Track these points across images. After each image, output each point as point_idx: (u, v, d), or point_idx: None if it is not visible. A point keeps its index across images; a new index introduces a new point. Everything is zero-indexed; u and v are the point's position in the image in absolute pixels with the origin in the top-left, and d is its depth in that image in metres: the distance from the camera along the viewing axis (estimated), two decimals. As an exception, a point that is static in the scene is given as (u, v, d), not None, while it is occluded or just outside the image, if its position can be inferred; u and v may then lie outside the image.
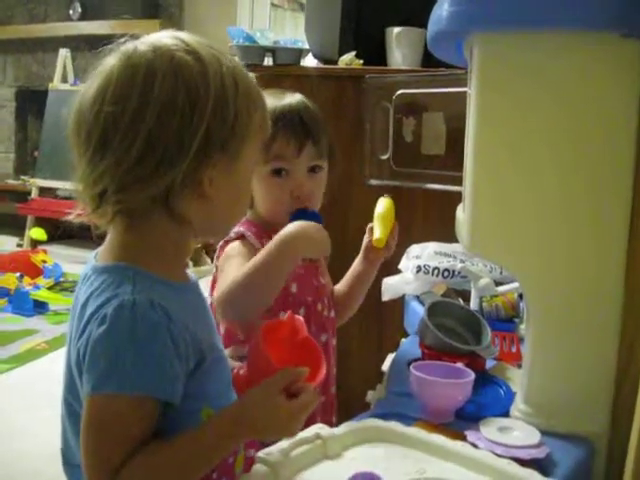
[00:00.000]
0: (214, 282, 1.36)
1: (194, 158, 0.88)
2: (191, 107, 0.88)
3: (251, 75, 1.01)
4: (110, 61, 0.92)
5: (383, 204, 1.50)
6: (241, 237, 1.35)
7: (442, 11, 1.10)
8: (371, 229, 1.48)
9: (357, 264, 1.53)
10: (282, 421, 0.90)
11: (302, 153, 1.37)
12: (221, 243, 1.37)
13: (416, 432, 1.05)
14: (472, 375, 1.18)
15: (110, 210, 0.92)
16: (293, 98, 1.41)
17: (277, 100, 1.38)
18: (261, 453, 0.95)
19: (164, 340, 0.86)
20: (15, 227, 5.66)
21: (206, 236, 1.05)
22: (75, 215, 0.98)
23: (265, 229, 1.38)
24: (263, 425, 0.90)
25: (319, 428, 1.03)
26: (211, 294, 1.34)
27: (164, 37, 0.94)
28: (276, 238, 1.24)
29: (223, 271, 1.33)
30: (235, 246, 1.35)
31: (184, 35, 0.95)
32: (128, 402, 0.84)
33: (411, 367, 1.20)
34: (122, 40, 0.94)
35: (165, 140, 0.87)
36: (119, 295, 0.87)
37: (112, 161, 0.88)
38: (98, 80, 0.91)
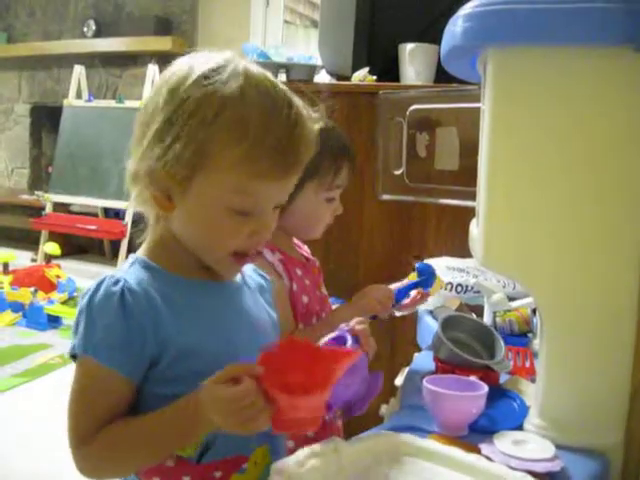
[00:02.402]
0: None
1: (141, 159, 0.96)
2: (147, 120, 0.96)
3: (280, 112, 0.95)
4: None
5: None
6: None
7: (456, 27, 1.12)
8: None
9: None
10: (220, 407, 0.85)
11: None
12: None
13: (431, 444, 1.05)
14: (485, 388, 1.18)
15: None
16: (330, 123, 1.42)
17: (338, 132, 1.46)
18: (276, 464, 0.96)
19: (113, 309, 0.92)
20: (29, 242, 5.70)
21: (197, 255, 1.02)
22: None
23: (273, 243, 1.40)
24: (208, 411, 0.87)
25: (333, 440, 1.03)
26: None
27: (202, 56, 0.99)
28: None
29: None
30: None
31: (239, 59, 0.98)
32: (83, 364, 0.94)
33: (424, 380, 1.20)
34: None
35: (137, 130, 0.98)
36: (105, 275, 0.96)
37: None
38: None
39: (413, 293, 1.57)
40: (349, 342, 1.10)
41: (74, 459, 0.93)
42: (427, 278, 1.59)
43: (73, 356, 0.96)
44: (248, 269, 1.11)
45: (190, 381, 0.90)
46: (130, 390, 0.95)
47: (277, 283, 1.33)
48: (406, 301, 1.56)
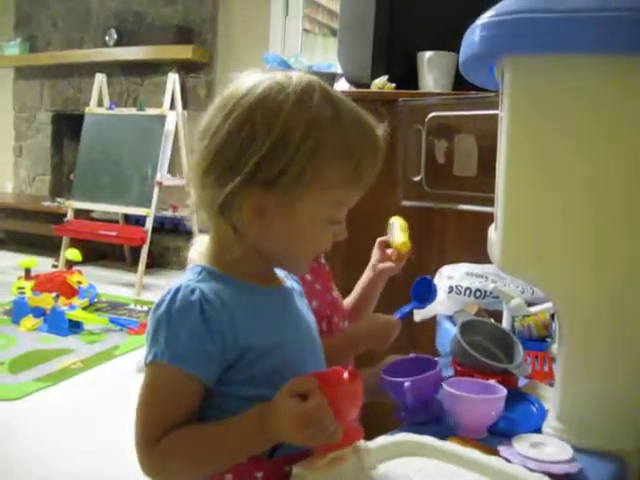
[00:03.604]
0: None
1: (238, 186, 0.96)
2: (252, 138, 0.95)
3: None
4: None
5: (398, 221, 1.56)
6: None
7: (474, 36, 1.14)
8: (382, 242, 1.57)
9: (366, 279, 1.60)
10: (290, 422, 0.89)
11: None
12: None
13: (450, 446, 1.06)
14: (504, 391, 1.19)
15: (192, 206, 1.04)
16: None
17: None
18: (298, 465, 0.98)
19: (195, 317, 0.95)
20: (51, 248, 5.76)
21: (273, 262, 1.08)
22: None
23: None
24: (276, 425, 0.91)
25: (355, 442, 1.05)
26: None
27: (283, 75, 1.01)
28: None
29: None
30: None
31: (305, 77, 1.01)
32: (162, 370, 0.96)
33: (444, 384, 1.21)
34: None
35: (223, 160, 0.97)
36: (177, 284, 0.99)
37: (194, 161, 1.01)
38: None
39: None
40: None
41: (142, 461, 0.95)
42: (422, 296, 1.57)
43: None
44: (282, 273, 1.14)
45: (266, 381, 0.97)
46: (203, 394, 0.98)
47: None
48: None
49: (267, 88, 0.98)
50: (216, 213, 1.00)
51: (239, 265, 1.04)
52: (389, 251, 1.59)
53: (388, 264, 1.58)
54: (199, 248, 1.10)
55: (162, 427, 0.94)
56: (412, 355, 1.33)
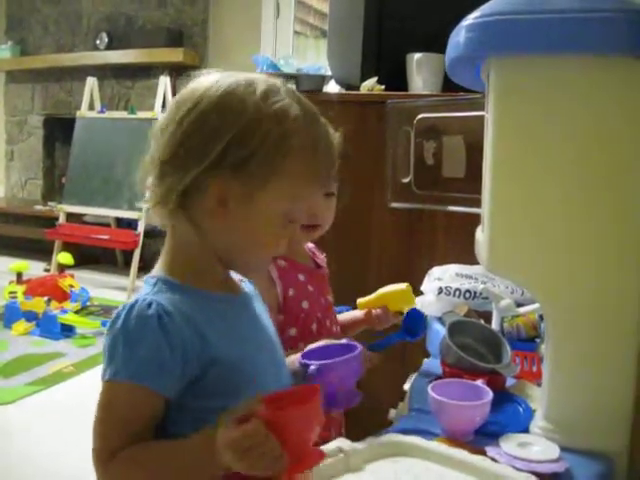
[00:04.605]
0: None
1: (206, 168, 0.97)
2: (219, 123, 0.97)
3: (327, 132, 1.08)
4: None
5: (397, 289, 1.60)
6: None
7: (459, 37, 1.14)
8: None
9: (354, 318, 1.63)
10: (228, 449, 0.85)
11: None
12: None
13: (437, 446, 1.07)
14: (490, 395, 1.19)
15: (151, 200, 1.03)
16: None
17: None
18: None
19: (152, 331, 0.94)
20: (43, 252, 5.74)
21: (228, 262, 1.06)
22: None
23: None
24: (218, 452, 0.87)
25: (341, 442, 1.05)
26: None
27: (250, 74, 1.04)
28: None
29: None
30: None
31: (270, 79, 1.04)
32: (121, 389, 0.94)
33: (429, 389, 1.20)
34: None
35: (191, 145, 0.98)
36: (133, 299, 0.98)
37: (155, 152, 1.01)
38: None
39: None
40: (358, 348, 1.16)
41: (103, 477, 0.94)
42: (413, 328, 1.58)
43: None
44: (237, 277, 1.14)
45: (234, 393, 0.95)
46: (164, 406, 0.97)
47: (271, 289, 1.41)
48: None
49: (234, 82, 1.00)
50: (176, 205, 0.99)
51: (198, 272, 1.03)
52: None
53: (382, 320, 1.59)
54: None
55: (121, 442, 0.92)
56: (344, 340, 1.24)
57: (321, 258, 1.59)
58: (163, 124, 1.02)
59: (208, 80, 1.02)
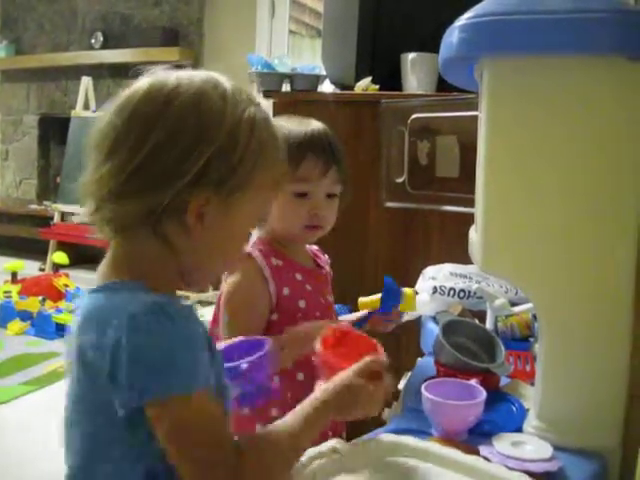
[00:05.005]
0: (220, 295, 1.45)
1: (187, 185, 0.90)
2: (198, 137, 0.90)
3: (282, 137, 1.03)
4: (142, 79, 0.97)
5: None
6: (248, 255, 1.41)
7: (453, 38, 1.14)
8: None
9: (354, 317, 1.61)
10: (364, 401, 1.00)
11: (326, 176, 1.42)
12: None
13: (430, 446, 1.07)
14: (483, 395, 1.19)
15: (104, 216, 0.94)
16: (318, 124, 1.47)
17: (304, 126, 1.44)
18: None
19: (187, 332, 0.89)
20: (37, 252, 5.74)
21: (189, 278, 1.00)
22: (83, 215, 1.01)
23: (274, 247, 1.45)
24: (347, 404, 0.99)
25: (336, 442, 1.05)
26: (218, 303, 1.45)
27: (201, 72, 0.98)
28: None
29: (226, 286, 1.42)
30: (241, 263, 1.40)
31: (221, 77, 0.98)
32: (200, 399, 0.86)
33: (423, 388, 1.21)
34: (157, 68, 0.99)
35: (166, 159, 0.90)
36: (137, 299, 0.89)
37: (115, 166, 0.91)
38: (126, 93, 0.96)
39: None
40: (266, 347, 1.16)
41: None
42: (389, 298, 1.53)
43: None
44: None
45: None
46: None
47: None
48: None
49: (201, 87, 0.93)
50: (139, 224, 0.92)
51: (164, 279, 0.96)
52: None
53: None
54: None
55: (230, 445, 0.87)
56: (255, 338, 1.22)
57: (323, 259, 1.59)
58: (114, 135, 0.93)
59: (167, 84, 0.94)
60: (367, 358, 1.03)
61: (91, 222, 0.98)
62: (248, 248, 1.42)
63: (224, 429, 0.89)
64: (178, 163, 0.90)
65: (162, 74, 0.97)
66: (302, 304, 1.43)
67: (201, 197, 0.91)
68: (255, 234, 1.48)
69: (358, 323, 1.50)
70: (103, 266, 0.99)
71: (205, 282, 1.06)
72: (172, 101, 0.92)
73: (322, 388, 1.00)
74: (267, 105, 2.46)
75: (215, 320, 1.47)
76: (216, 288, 1.52)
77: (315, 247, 1.59)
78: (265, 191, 0.99)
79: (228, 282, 1.41)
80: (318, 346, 1.08)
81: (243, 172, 0.93)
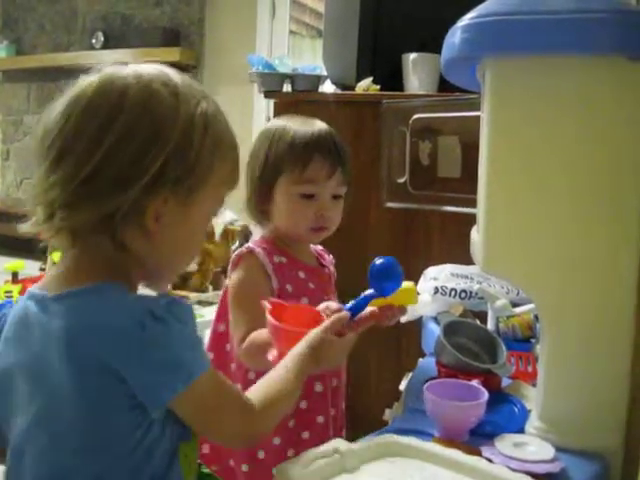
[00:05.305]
0: (225, 293, 1.45)
1: (144, 188, 0.88)
2: (153, 137, 0.88)
3: (227, 127, 0.99)
4: (89, 78, 0.93)
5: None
6: (250, 252, 1.41)
7: (455, 38, 1.14)
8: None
9: None
10: (336, 353, 1.15)
11: (332, 178, 1.42)
12: (233, 257, 1.43)
13: (432, 447, 1.07)
14: (485, 395, 1.19)
15: (55, 225, 0.91)
16: (323, 125, 1.47)
17: (309, 126, 1.44)
18: (280, 465, 0.98)
19: (187, 320, 0.91)
20: (38, 252, 5.70)
21: (149, 279, 1.00)
22: (29, 226, 0.96)
23: (278, 246, 1.46)
24: (323, 357, 1.10)
25: (337, 442, 1.05)
26: (222, 300, 1.46)
27: (150, 67, 0.95)
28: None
29: (230, 282, 1.43)
30: (243, 260, 1.42)
31: (171, 71, 0.95)
32: (206, 377, 0.90)
33: (425, 387, 1.20)
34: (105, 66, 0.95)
35: (120, 163, 0.87)
36: (125, 306, 0.87)
37: (66, 172, 0.88)
38: (72, 94, 0.92)
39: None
40: None
41: (258, 427, 0.99)
42: (381, 282, 1.34)
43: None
44: None
45: None
46: None
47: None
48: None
49: (150, 84, 0.91)
50: (95, 231, 0.90)
51: (129, 280, 0.95)
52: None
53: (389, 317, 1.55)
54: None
55: (246, 398, 0.97)
56: None
57: (327, 259, 1.59)
58: (62, 141, 0.89)
59: (117, 83, 0.90)
60: (333, 317, 1.15)
61: (43, 231, 0.94)
62: (251, 246, 1.42)
63: (235, 388, 0.98)
64: (134, 165, 0.87)
65: (110, 71, 0.93)
66: (305, 302, 1.43)
67: (159, 199, 0.90)
68: (259, 233, 1.48)
69: (355, 306, 1.40)
70: (57, 275, 0.95)
71: (165, 282, 1.07)
72: (122, 103, 0.89)
73: (298, 345, 1.09)
74: (265, 105, 2.45)
75: (218, 318, 1.48)
76: (216, 288, 1.52)
77: (320, 247, 1.59)
78: (223, 186, 0.99)
79: (231, 279, 1.41)
80: (269, 317, 1.15)
81: (200, 170, 0.92)
